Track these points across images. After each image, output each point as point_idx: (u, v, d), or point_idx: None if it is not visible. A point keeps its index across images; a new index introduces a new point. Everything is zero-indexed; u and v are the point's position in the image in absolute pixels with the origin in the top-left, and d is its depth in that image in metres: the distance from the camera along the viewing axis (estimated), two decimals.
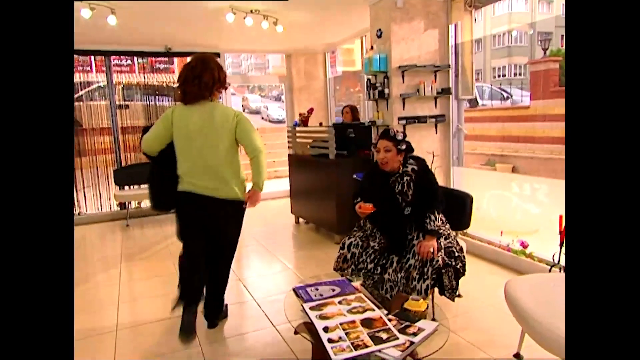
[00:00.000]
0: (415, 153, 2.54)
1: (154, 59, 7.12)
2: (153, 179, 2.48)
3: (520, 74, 25.95)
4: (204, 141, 2.34)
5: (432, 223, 2.34)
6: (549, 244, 2.99)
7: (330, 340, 1.57)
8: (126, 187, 5.89)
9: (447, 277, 2.28)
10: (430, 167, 2.56)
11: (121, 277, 3.65)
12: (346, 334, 1.62)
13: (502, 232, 3.65)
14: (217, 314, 2.67)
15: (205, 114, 2.36)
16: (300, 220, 5.28)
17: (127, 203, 5.84)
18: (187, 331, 2.31)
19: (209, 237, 2.48)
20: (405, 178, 2.41)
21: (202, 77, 2.32)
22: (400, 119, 3.87)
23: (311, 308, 1.82)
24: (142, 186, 5.93)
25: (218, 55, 6.33)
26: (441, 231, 2.37)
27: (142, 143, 2.43)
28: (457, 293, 2.32)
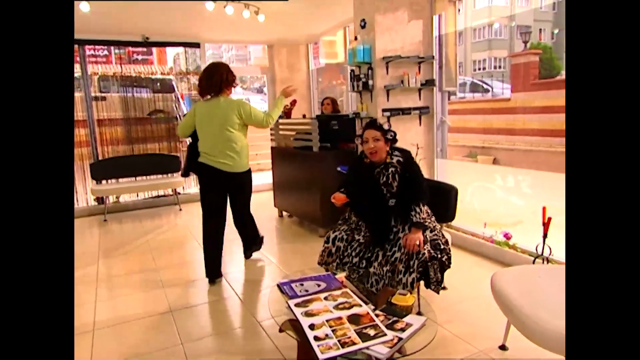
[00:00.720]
0: (399, 145, 2.52)
1: (131, 49, 6.91)
2: (187, 156, 3.39)
3: (500, 67, 26.29)
4: (215, 126, 3.13)
5: (417, 215, 2.32)
6: (531, 235, 3.01)
7: (316, 338, 1.53)
8: (103, 181, 5.72)
9: (432, 270, 2.26)
10: (414, 159, 2.54)
11: (99, 273, 3.53)
12: (333, 331, 1.57)
13: (485, 224, 3.66)
14: (251, 244, 3.66)
15: (216, 105, 3.14)
16: (284, 213, 5.22)
17: (104, 198, 5.67)
18: (210, 277, 3.26)
19: (228, 197, 3.34)
20: (390, 169, 2.39)
21: (213, 77, 3.12)
22: (384, 110, 3.83)
23: (296, 305, 1.78)
24: (121, 180, 5.78)
25: (198, 45, 6.18)
26: (427, 223, 2.35)
27: (177, 129, 3.48)
28: (442, 285, 2.31)
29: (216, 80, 3.10)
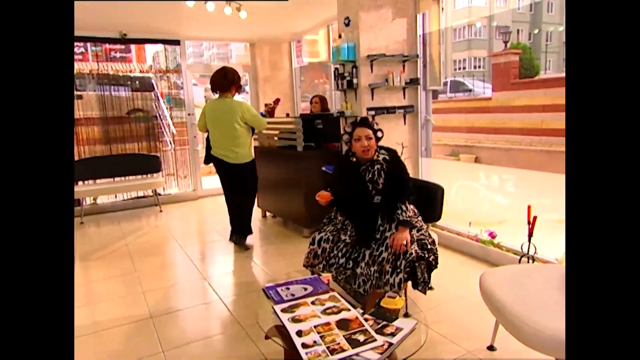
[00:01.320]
0: (384, 144, 2.50)
1: (109, 47, 6.72)
2: (206, 147, 3.92)
3: (479, 67, 26.69)
4: (222, 124, 3.64)
5: (403, 214, 2.29)
6: (516, 234, 3.02)
7: (304, 345, 1.47)
8: (80, 182, 5.54)
9: (420, 270, 2.24)
10: (400, 157, 2.51)
11: (75, 278, 3.40)
12: (321, 337, 1.52)
13: (470, 223, 3.66)
14: (242, 233, 3.95)
15: (224, 105, 3.65)
16: (267, 214, 5.15)
17: (81, 199, 5.49)
18: (237, 244, 3.97)
19: (234, 187, 3.84)
20: (376, 166, 2.37)
21: (227, 75, 3.64)
22: (369, 109, 3.80)
23: (283, 310, 1.72)
24: (98, 181, 5.60)
25: (178, 42, 6.05)
26: (413, 222, 2.33)
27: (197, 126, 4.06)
28: (429, 286, 2.29)
29: (229, 78, 3.62)
